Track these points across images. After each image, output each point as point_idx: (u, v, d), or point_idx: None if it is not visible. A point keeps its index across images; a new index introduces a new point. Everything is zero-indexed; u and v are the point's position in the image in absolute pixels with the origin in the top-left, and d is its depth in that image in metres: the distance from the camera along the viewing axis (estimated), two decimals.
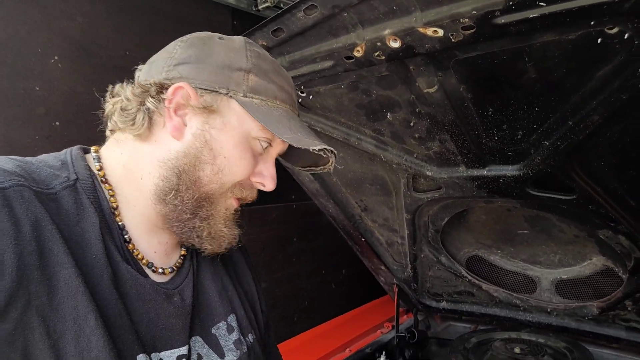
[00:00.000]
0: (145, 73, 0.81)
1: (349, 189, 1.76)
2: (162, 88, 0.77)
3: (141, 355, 0.70)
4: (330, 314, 2.84)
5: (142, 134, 0.78)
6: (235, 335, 0.89)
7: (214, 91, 0.77)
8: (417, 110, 1.28)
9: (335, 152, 0.81)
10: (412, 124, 1.33)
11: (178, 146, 0.78)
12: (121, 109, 0.79)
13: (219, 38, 0.82)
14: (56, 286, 0.63)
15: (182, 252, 0.88)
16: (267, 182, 0.84)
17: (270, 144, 0.84)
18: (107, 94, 0.83)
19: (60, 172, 0.73)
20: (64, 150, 0.80)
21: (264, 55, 0.84)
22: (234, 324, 0.91)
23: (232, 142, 0.79)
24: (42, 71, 1.78)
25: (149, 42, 1.92)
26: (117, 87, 0.83)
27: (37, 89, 1.85)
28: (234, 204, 0.83)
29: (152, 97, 0.77)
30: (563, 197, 1.32)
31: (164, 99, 0.77)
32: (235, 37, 0.85)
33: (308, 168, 0.99)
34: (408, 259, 1.97)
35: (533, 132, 1.17)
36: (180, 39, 0.83)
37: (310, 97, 1.41)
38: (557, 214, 1.46)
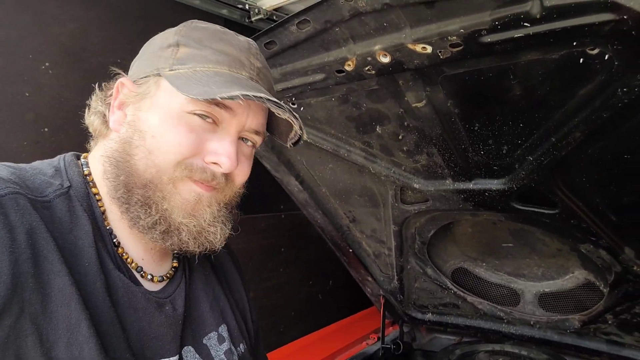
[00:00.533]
0: None
1: (338, 200, 1.78)
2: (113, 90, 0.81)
3: None
4: (318, 324, 2.84)
5: (103, 135, 0.80)
6: (226, 346, 0.89)
7: (147, 77, 0.78)
8: (405, 123, 1.30)
9: (281, 103, 0.73)
10: (400, 137, 1.36)
11: (115, 138, 0.78)
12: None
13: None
14: (50, 294, 0.63)
15: (174, 264, 0.88)
16: (221, 159, 0.75)
17: (214, 120, 0.75)
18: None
19: (54, 180, 0.73)
20: (57, 157, 0.80)
21: (203, 27, 0.80)
22: (225, 334, 0.91)
23: (159, 119, 0.74)
24: (33, 77, 1.78)
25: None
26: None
27: (27, 94, 1.84)
28: (193, 188, 0.75)
29: (103, 100, 0.81)
30: (546, 211, 1.35)
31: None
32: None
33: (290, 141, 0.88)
34: (395, 270, 1.98)
35: (518, 148, 1.20)
36: None
37: (302, 108, 1.42)
38: (541, 228, 1.49)
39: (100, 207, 0.76)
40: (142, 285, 0.78)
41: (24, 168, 0.73)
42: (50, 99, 1.80)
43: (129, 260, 0.78)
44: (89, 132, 0.85)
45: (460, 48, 0.99)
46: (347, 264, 2.12)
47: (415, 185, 1.49)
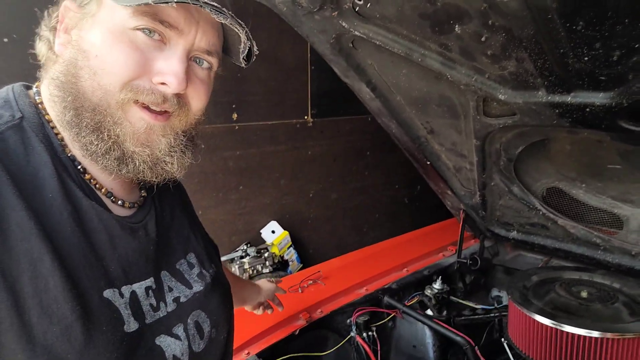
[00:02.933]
0: None
1: (414, 109, 1.61)
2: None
3: (108, 290, 0.70)
4: (402, 229, 2.82)
5: (52, 61, 0.75)
6: (196, 270, 0.90)
7: None
8: (490, 22, 1.07)
9: (222, 9, 0.66)
10: (483, 38, 1.13)
11: (61, 61, 0.72)
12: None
13: None
14: (7, 229, 0.62)
15: (143, 194, 0.87)
16: (168, 78, 0.70)
17: (162, 38, 0.71)
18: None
19: (4, 111, 0.70)
20: (5, 88, 0.76)
21: None
22: (194, 260, 0.91)
23: (101, 37, 0.69)
24: None
25: None
26: None
27: None
28: (142, 116, 0.72)
29: (49, 26, 0.76)
30: None
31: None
32: None
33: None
34: (477, 186, 1.83)
35: (634, 53, 0.93)
36: None
37: (369, 4, 1.24)
38: None
39: (56, 135, 0.73)
40: (113, 212, 0.77)
41: None
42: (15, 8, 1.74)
43: (98, 186, 0.76)
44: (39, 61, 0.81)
45: None
46: (425, 176, 2.01)
47: (500, 96, 1.27)
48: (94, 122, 0.70)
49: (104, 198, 0.77)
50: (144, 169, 0.74)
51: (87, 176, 0.75)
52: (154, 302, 0.78)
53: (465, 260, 2.06)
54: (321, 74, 2.82)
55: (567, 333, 1.32)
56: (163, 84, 0.71)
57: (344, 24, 1.33)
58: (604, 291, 1.52)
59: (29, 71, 0.81)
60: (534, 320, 1.40)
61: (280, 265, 3.37)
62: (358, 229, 3.66)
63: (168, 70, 0.70)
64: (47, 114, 0.74)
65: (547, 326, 1.36)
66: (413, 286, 2.00)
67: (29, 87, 0.79)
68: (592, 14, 0.91)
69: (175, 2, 0.63)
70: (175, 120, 0.75)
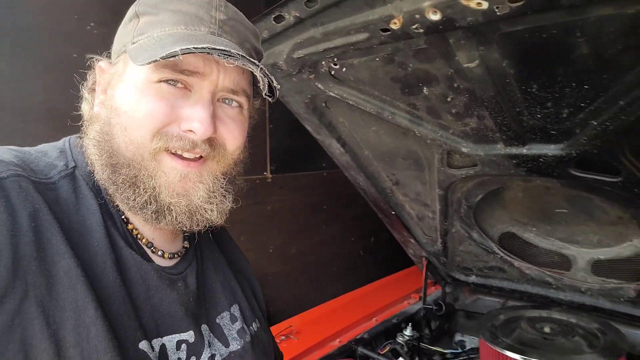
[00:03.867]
0: None
1: (381, 163, 1.73)
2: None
3: (143, 342, 0.70)
4: (359, 280, 2.87)
5: (92, 121, 0.79)
6: (238, 325, 0.89)
7: (119, 56, 0.76)
8: (455, 85, 1.22)
9: (231, 51, 0.67)
10: (449, 99, 1.28)
11: (98, 121, 0.76)
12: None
13: None
14: (55, 276, 0.62)
15: (185, 245, 0.87)
16: (194, 125, 0.71)
17: (185, 86, 0.73)
18: None
19: (59, 161, 0.73)
20: (63, 139, 0.80)
21: None
22: (237, 314, 0.91)
23: (129, 94, 0.72)
24: (79, 37, 1.79)
25: None
26: None
27: (75, 55, 1.87)
28: (175, 165, 0.73)
29: (89, 87, 0.81)
30: (608, 179, 1.25)
31: None
32: None
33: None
34: (439, 233, 1.95)
35: (580, 111, 1.10)
36: None
37: (344, 69, 1.36)
38: (600, 196, 1.39)
39: (104, 186, 0.76)
40: (153, 262, 0.78)
41: (27, 151, 0.73)
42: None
43: (139, 236, 0.77)
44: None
45: (521, 3, 0.89)
46: (389, 226, 2.10)
47: (463, 149, 1.41)
48: (130, 177, 0.71)
49: (144, 248, 0.78)
50: (183, 219, 0.74)
51: (129, 226, 0.76)
52: (183, 356, 0.76)
53: (431, 307, 2.13)
54: (279, 131, 2.93)
55: None
56: (190, 131, 0.72)
57: (319, 86, 1.44)
58: (564, 326, 1.64)
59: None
60: (506, 356, 1.48)
61: None
62: (317, 283, 3.65)
63: (194, 116, 0.72)
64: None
65: None
66: (384, 335, 2.03)
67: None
68: (544, 79, 1.08)
69: (182, 53, 0.64)
70: (211, 164, 0.76)
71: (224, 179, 0.79)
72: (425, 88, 1.29)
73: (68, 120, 0.83)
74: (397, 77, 1.30)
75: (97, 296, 0.65)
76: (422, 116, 1.40)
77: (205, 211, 0.76)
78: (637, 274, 1.60)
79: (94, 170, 0.75)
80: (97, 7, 1.91)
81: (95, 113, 0.78)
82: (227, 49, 0.67)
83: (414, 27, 1.06)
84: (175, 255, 0.84)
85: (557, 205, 1.64)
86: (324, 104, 1.56)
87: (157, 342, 0.73)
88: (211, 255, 0.93)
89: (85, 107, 0.81)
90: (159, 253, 0.80)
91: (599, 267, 1.71)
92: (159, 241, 0.81)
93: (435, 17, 1.00)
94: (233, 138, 0.78)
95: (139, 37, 0.72)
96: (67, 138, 0.80)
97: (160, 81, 0.72)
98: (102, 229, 0.70)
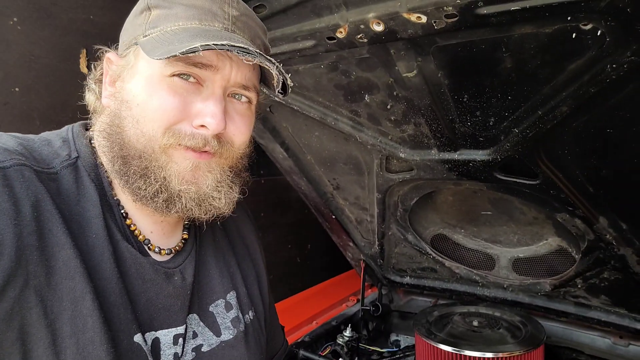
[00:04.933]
0: None
1: (323, 168, 1.78)
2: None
3: (138, 335, 0.70)
4: (297, 287, 2.90)
5: (99, 112, 0.79)
6: (233, 313, 0.89)
7: (129, 48, 0.76)
8: (394, 93, 1.30)
9: (249, 48, 0.67)
10: (389, 106, 1.35)
11: (107, 112, 0.76)
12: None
13: None
14: (54, 267, 0.63)
15: (184, 236, 0.87)
16: (206, 120, 0.72)
17: (198, 80, 0.73)
18: None
19: (62, 151, 0.72)
20: (65, 127, 0.78)
21: None
22: (233, 301, 0.90)
23: (141, 87, 0.72)
24: (0, 33, 1.67)
25: (114, 5, 1.83)
26: None
27: None
28: (187, 155, 0.73)
29: (95, 78, 0.81)
30: (527, 182, 1.39)
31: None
32: None
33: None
34: (376, 236, 2.03)
35: (504, 120, 1.22)
36: None
37: (289, 75, 1.39)
38: (520, 197, 1.53)
39: (107, 177, 0.76)
40: (149, 256, 0.77)
41: (31, 139, 0.72)
42: (19, 56, 1.71)
43: (136, 232, 0.77)
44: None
45: (456, 19, 0.98)
46: (329, 230, 2.15)
47: (401, 154, 1.50)
48: (141, 168, 0.71)
49: (142, 244, 0.77)
50: (192, 206, 0.74)
51: (127, 221, 0.76)
52: (179, 351, 0.75)
53: (368, 308, 2.21)
54: None
55: (467, 357, 1.51)
56: (202, 126, 0.72)
57: (264, 90, 1.46)
58: (490, 319, 1.77)
59: None
60: (439, 349, 1.57)
61: None
62: None
63: (206, 111, 0.72)
64: (100, 158, 0.75)
65: (450, 352, 1.54)
66: (324, 337, 2.06)
67: (87, 127, 0.78)
68: (474, 89, 1.18)
69: (202, 50, 0.64)
70: (220, 159, 0.77)
71: (231, 171, 0.80)
72: (366, 95, 1.36)
73: None
74: (340, 84, 1.36)
75: (95, 287, 0.65)
76: (363, 122, 1.47)
77: (214, 199, 0.76)
78: (552, 270, 1.78)
79: (101, 162, 0.75)
80: (19, 1, 1.80)
81: (104, 104, 0.76)
82: (245, 46, 0.68)
83: (359, 36, 1.12)
84: (172, 251, 0.83)
85: (482, 208, 1.78)
86: (268, 109, 1.58)
87: (150, 336, 0.72)
88: (212, 240, 0.91)
89: (90, 98, 0.80)
90: (156, 250, 0.80)
91: (519, 265, 1.88)
92: (157, 237, 0.80)
93: (378, 28, 1.07)
94: (240, 134, 0.79)
95: (152, 30, 0.72)
96: (69, 126, 0.78)
97: (174, 75, 0.71)
98: (101, 221, 0.70)
